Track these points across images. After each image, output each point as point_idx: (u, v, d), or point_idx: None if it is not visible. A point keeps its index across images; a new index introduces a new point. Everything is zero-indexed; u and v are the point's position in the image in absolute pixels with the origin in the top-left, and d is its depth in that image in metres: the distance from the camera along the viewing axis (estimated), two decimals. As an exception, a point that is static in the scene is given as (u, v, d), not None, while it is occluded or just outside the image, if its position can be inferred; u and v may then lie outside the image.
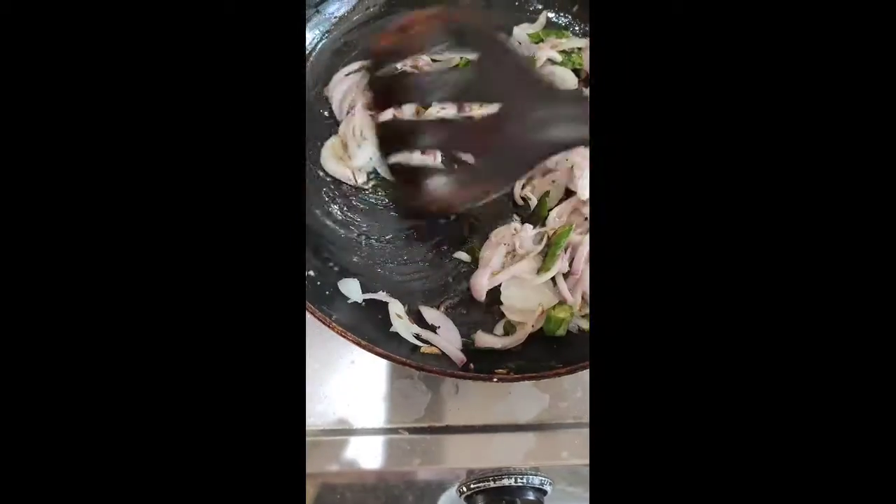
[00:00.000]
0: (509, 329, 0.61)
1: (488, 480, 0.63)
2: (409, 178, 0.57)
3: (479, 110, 0.60)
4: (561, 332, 0.59)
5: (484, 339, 0.60)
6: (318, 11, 0.69)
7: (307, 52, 0.69)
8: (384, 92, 0.55)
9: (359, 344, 0.53)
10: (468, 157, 0.53)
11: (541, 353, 0.58)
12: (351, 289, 0.60)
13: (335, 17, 0.70)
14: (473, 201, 0.55)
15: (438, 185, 0.54)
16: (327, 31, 0.70)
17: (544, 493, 0.65)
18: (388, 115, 0.59)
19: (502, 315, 0.61)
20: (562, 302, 0.60)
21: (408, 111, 0.61)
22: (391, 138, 0.57)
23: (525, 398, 0.65)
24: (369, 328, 0.57)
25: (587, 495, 0.68)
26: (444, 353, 0.58)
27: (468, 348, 0.59)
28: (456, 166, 0.55)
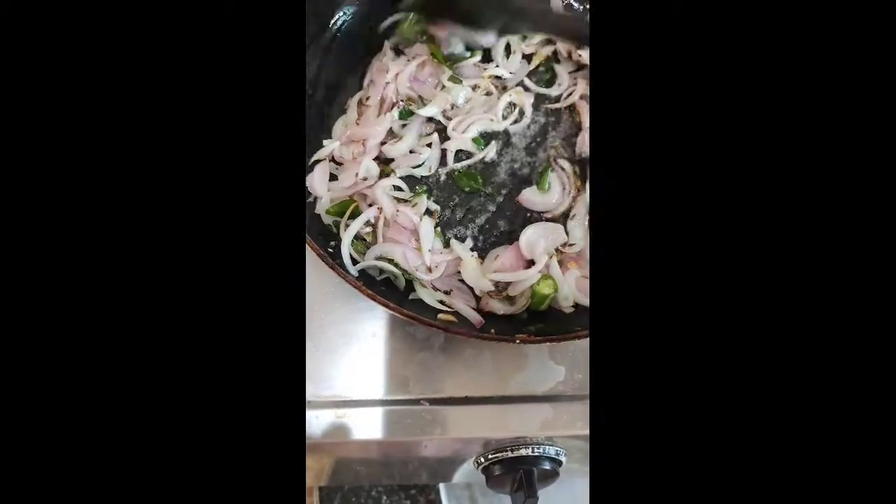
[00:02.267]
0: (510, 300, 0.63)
1: (505, 451, 0.65)
2: None
3: None
4: (544, 306, 0.61)
5: (491, 305, 0.62)
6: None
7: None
8: None
9: (387, 306, 0.54)
10: None
11: (561, 318, 0.60)
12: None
13: None
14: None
15: None
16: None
17: (560, 463, 0.67)
18: None
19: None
20: (546, 276, 0.62)
21: None
22: None
23: (541, 370, 0.66)
24: (392, 296, 0.59)
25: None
26: (463, 318, 0.59)
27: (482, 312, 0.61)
28: None
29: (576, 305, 0.62)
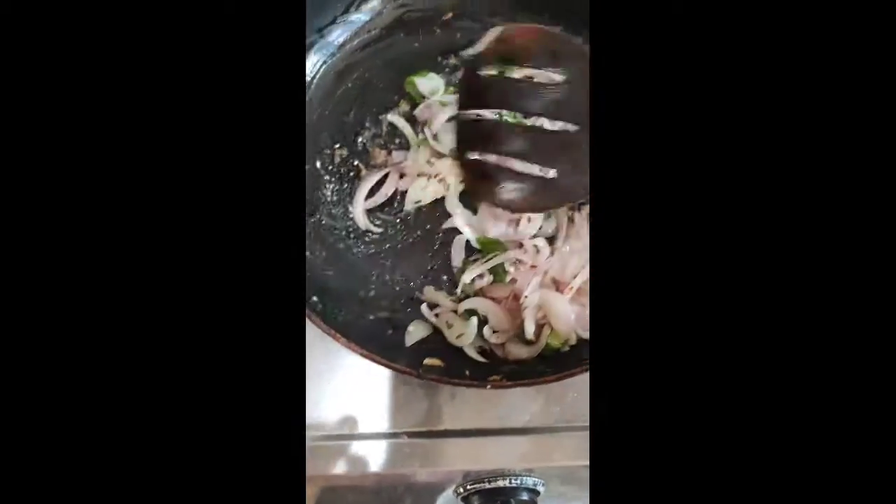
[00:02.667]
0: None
1: (484, 482, 0.67)
2: (484, 175, 0.64)
3: (561, 125, 0.64)
4: None
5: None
6: (321, 36, 0.72)
7: (309, 78, 0.72)
8: (477, 93, 0.64)
9: (371, 358, 0.56)
10: (547, 171, 0.61)
11: (532, 362, 0.62)
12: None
13: (338, 43, 0.74)
14: (540, 210, 0.63)
15: (511, 189, 0.63)
16: (330, 55, 0.73)
17: (537, 493, 0.68)
18: (471, 114, 0.65)
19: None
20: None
21: (490, 115, 0.65)
22: (473, 137, 0.65)
23: (518, 403, 0.68)
24: (376, 342, 0.61)
25: (580, 494, 0.72)
26: (444, 364, 0.61)
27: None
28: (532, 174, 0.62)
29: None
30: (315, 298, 0.62)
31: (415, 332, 0.65)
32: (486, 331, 0.64)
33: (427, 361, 0.62)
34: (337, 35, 0.73)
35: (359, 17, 0.73)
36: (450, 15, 0.75)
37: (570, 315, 0.63)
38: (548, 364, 0.61)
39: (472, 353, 0.64)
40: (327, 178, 0.70)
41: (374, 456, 0.66)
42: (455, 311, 0.65)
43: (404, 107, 0.71)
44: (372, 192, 0.69)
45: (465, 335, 0.63)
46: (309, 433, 0.66)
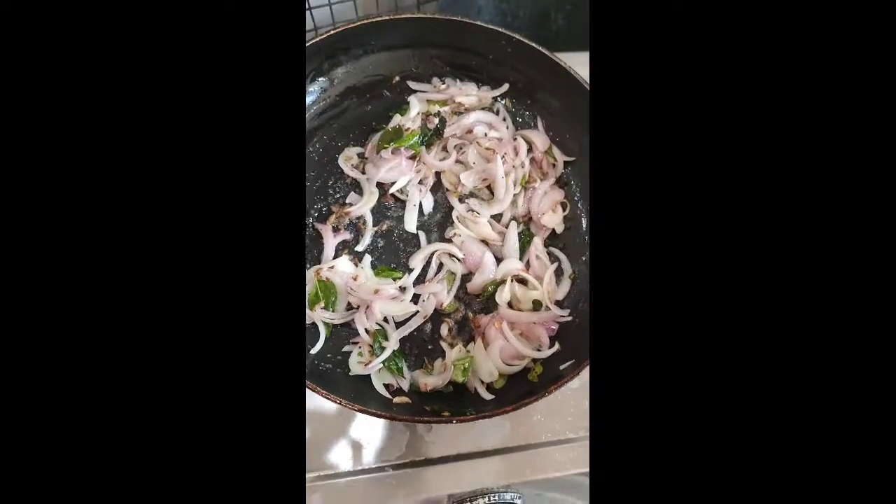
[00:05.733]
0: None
1: (466, 501, 0.74)
2: None
3: None
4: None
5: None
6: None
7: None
8: None
9: (350, 407, 0.62)
10: None
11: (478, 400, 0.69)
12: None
13: (308, 104, 0.80)
14: None
15: None
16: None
17: (516, 505, 0.75)
18: None
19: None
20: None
21: None
22: None
23: (489, 428, 0.75)
24: (349, 387, 0.67)
25: (558, 499, 0.79)
26: (412, 402, 0.68)
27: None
28: None
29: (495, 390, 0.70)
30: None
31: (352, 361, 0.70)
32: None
33: (396, 400, 0.68)
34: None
35: (314, 88, 0.80)
36: (397, 79, 0.83)
37: (494, 371, 0.70)
38: (508, 395, 0.68)
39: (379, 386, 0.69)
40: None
41: (364, 491, 0.72)
42: (370, 344, 0.70)
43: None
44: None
45: (371, 363, 0.68)
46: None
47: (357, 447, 0.73)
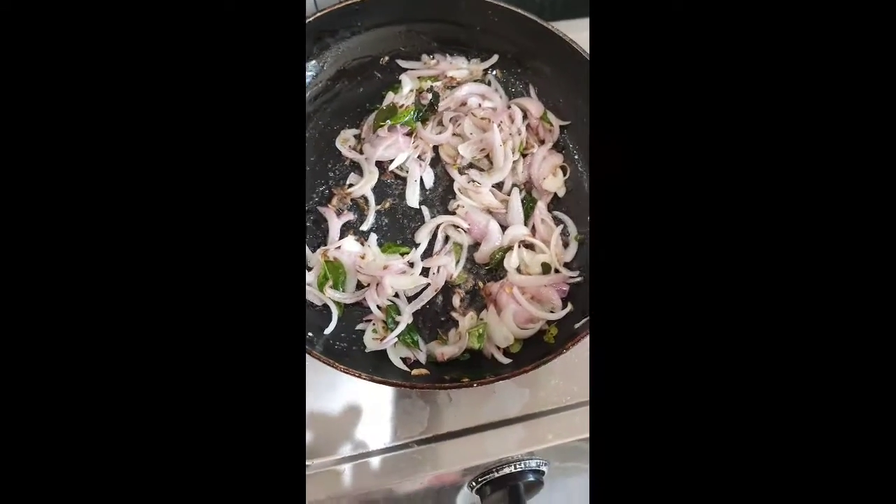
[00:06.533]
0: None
1: (492, 472, 0.73)
2: None
3: None
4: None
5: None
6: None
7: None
8: None
9: (370, 379, 0.62)
10: None
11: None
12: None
13: None
14: None
15: None
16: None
17: (542, 472, 0.75)
18: None
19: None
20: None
21: None
22: None
23: (509, 396, 0.75)
24: (361, 365, 0.67)
25: (581, 466, 0.79)
26: (430, 373, 0.68)
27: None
28: None
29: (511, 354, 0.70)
30: (311, 335, 0.69)
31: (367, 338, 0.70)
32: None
33: (414, 372, 0.68)
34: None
35: (307, 72, 0.80)
36: (386, 59, 0.83)
37: (508, 335, 0.70)
38: (525, 358, 0.68)
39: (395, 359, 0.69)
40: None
41: (389, 470, 0.72)
42: (383, 320, 0.70)
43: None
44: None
45: (386, 338, 0.68)
46: (327, 460, 0.72)
47: (380, 425, 0.73)
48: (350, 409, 0.74)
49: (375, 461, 0.72)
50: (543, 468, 0.75)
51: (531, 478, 0.74)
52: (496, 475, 0.73)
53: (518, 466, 0.73)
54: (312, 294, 0.71)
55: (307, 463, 0.71)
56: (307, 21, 0.72)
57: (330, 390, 0.74)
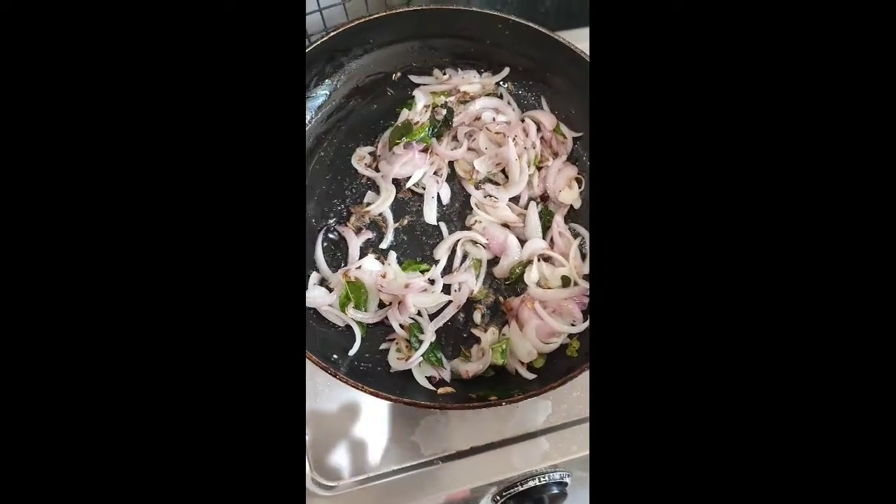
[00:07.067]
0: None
1: (516, 486, 0.74)
2: None
3: None
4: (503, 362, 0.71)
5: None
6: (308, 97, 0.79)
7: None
8: None
9: (398, 402, 0.62)
10: None
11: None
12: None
13: (314, 108, 0.80)
14: None
15: None
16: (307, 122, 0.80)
17: (565, 484, 0.75)
18: None
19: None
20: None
21: None
22: None
23: (531, 409, 0.75)
24: (392, 384, 0.67)
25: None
26: (456, 391, 0.68)
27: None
28: None
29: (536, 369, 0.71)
30: (335, 357, 0.69)
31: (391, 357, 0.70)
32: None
33: (441, 391, 0.68)
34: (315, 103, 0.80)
35: (318, 92, 0.80)
36: (398, 74, 0.83)
37: (532, 350, 0.70)
38: (549, 372, 0.68)
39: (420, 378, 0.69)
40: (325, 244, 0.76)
41: (416, 487, 0.72)
42: (406, 339, 0.70)
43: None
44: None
45: (411, 358, 0.68)
46: (356, 479, 0.72)
47: (404, 444, 0.73)
48: (376, 431, 0.74)
49: (403, 478, 0.72)
50: (567, 480, 0.75)
51: (555, 490, 0.75)
52: (520, 489, 0.73)
53: (542, 479, 0.73)
54: (334, 315, 0.71)
55: (333, 484, 0.71)
56: (323, 40, 0.72)
57: (351, 410, 0.74)
